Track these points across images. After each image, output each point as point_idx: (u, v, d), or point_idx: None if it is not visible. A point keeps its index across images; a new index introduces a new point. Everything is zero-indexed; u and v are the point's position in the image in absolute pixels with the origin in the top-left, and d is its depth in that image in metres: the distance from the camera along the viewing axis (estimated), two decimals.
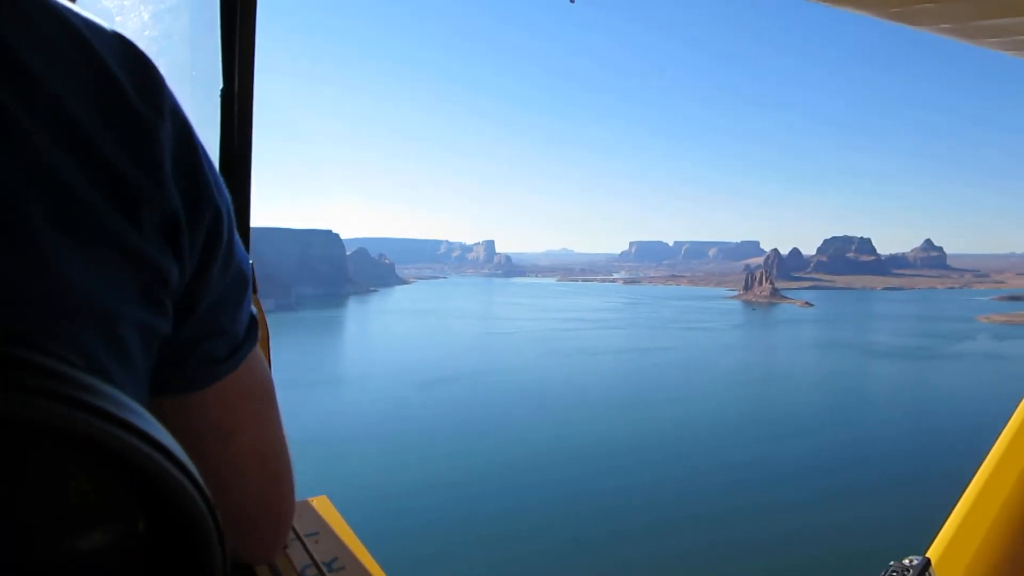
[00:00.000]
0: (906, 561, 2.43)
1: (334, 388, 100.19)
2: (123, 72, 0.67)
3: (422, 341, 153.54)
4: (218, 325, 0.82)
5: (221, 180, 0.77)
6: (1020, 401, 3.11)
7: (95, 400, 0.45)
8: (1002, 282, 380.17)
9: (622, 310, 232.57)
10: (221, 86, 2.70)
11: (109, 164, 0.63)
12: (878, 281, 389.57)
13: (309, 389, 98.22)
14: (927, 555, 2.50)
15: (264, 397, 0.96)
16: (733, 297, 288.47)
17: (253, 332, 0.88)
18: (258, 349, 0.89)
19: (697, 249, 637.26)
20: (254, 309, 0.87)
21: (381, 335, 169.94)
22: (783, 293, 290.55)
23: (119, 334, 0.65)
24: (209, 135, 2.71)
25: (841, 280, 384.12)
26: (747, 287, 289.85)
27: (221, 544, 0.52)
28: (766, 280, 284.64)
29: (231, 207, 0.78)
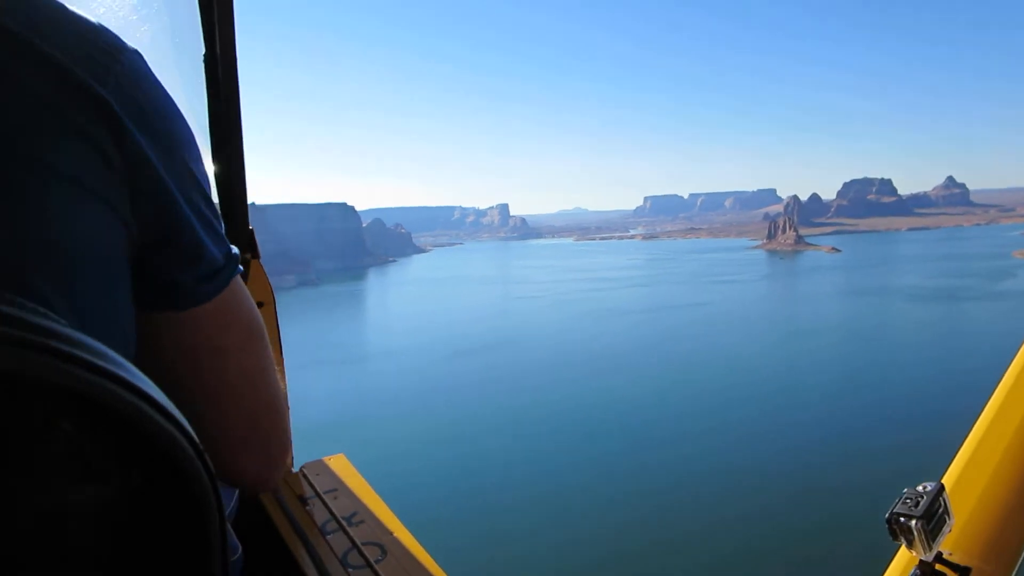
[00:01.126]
0: (920, 488, 2.17)
1: (367, 365, 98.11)
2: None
3: (448, 310, 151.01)
4: (195, 254, 0.87)
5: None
6: None
7: (75, 351, 0.45)
8: None
9: (645, 267, 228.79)
10: (204, 51, 2.66)
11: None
12: (902, 222, 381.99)
13: (342, 367, 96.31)
14: (942, 481, 2.30)
15: (252, 330, 1.02)
16: (756, 247, 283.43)
17: (233, 262, 0.93)
18: (242, 287, 0.97)
19: (713, 200, 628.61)
20: (235, 248, 0.91)
21: (405, 306, 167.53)
22: (807, 240, 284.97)
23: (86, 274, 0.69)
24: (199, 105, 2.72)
25: (864, 223, 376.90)
26: (770, 236, 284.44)
27: (215, 492, 0.53)
28: (789, 228, 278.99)
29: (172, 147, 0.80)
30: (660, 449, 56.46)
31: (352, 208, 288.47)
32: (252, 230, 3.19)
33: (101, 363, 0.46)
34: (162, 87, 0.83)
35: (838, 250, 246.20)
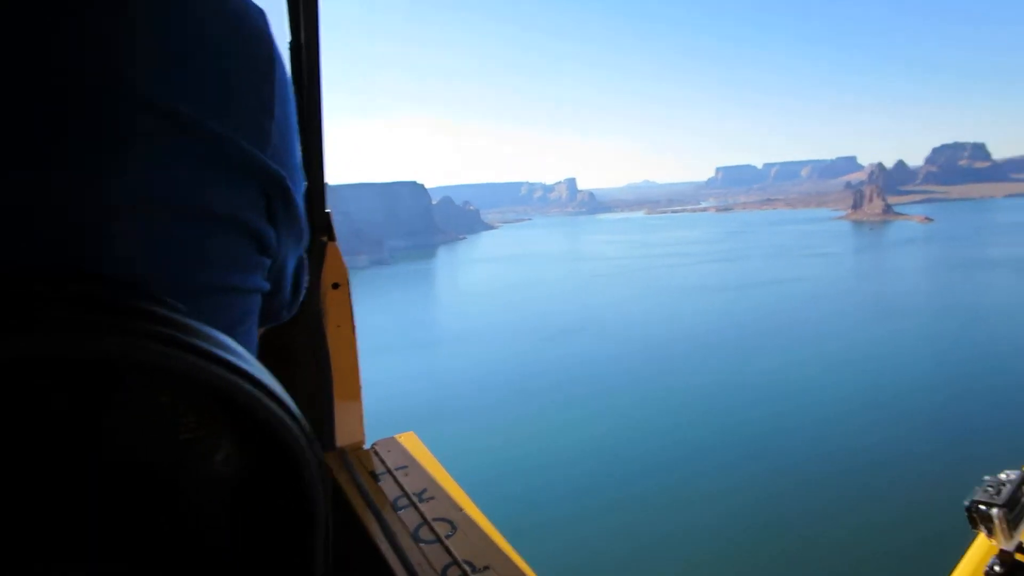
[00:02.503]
0: (1002, 476, 2.49)
1: (448, 348, 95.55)
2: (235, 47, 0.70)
3: (523, 289, 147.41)
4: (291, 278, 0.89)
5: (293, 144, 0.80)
6: None
7: (197, 341, 0.49)
8: None
9: (724, 240, 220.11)
10: (289, 39, 2.69)
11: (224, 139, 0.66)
12: (998, 188, 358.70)
13: (421, 351, 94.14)
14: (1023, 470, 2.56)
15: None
16: (841, 218, 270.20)
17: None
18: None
19: (788, 170, 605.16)
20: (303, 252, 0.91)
21: (479, 286, 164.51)
22: (895, 209, 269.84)
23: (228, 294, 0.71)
24: None
25: (956, 191, 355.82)
26: (856, 206, 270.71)
27: (322, 476, 0.58)
28: (876, 196, 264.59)
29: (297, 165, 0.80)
30: (756, 444, 51.90)
31: (422, 186, 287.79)
32: (329, 213, 3.23)
33: (242, 366, 0.50)
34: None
35: (931, 219, 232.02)
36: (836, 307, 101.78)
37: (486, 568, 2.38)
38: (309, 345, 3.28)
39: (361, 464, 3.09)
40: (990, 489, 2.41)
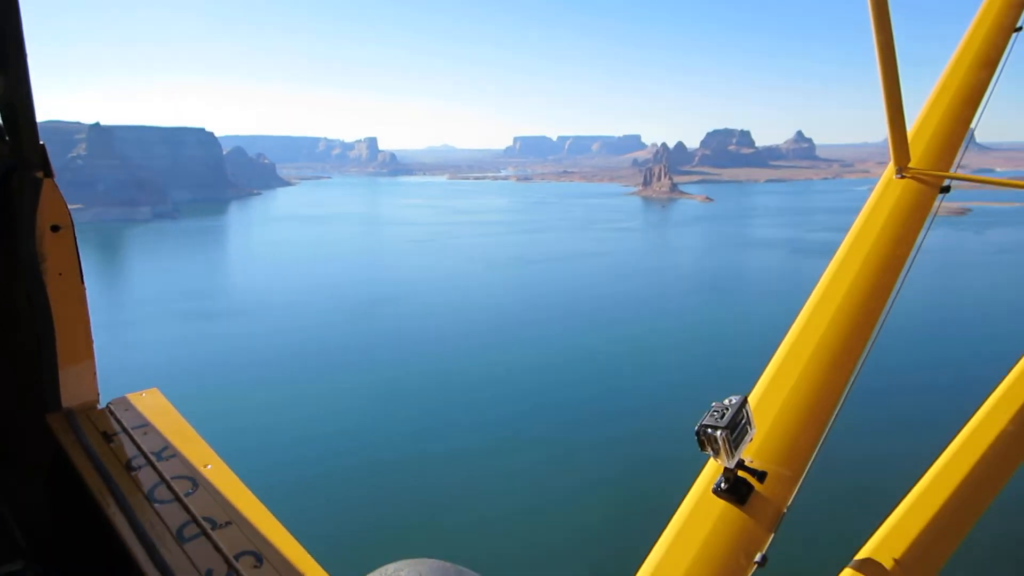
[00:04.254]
0: (726, 401, 2.71)
1: (235, 321, 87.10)
2: None
3: (334, 254, 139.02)
4: None
5: None
6: (828, 263, 4.11)
7: None
8: (867, 171, 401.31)
9: (531, 210, 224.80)
10: None
11: None
12: (760, 173, 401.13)
13: (208, 322, 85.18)
14: (746, 396, 2.82)
15: None
16: (632, 194, 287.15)
17: None
18: None
19: (581, 144, 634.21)
20: None
21: (284, 247, 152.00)
22: (680, 188, 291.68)
23: None
24: None
25: (727, 173, 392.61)
26: (646, 183, 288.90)
27: None
28: (664, 176, 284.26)
29: None
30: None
31: (212, 134, 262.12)
32: (44, 146, 2.98)
33: None
34: None
35: (711, 199, 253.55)
36: (657, 281, 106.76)
37: (228, 523, 2.30)
38: (23, 294, 3.04)
39: (92, 424, 2.92)
40: (716, 414, 2.61)
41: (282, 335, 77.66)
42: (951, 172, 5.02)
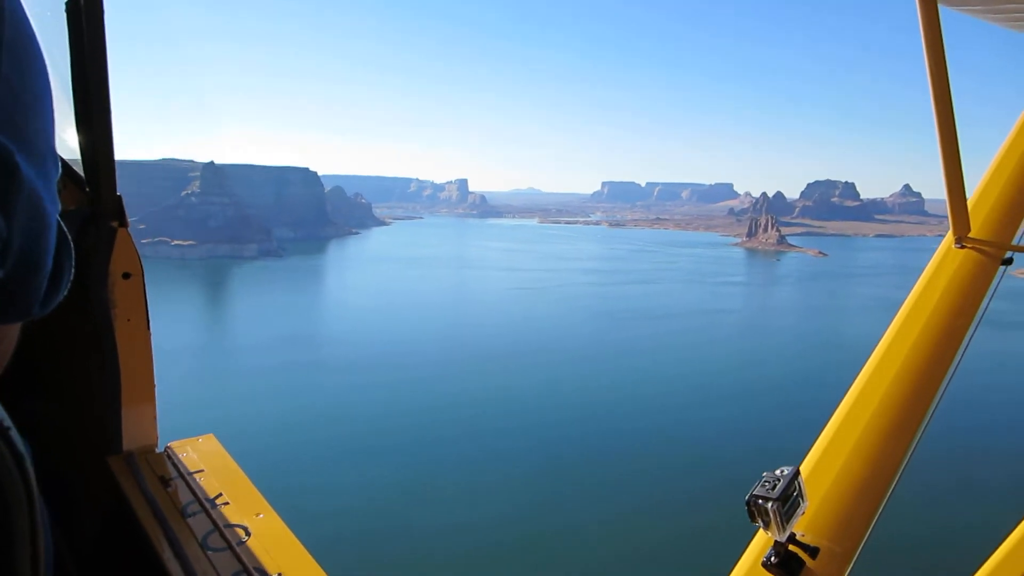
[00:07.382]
0: (778, 472, 2.62)
1: (341, 377, 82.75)
2: None
3: (445, 303, 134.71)
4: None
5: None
6: (883, 334, 3.93)
7: None
8: None
9: (633, 258, 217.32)
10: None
11: None
12: (866, 228, 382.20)
13: (314, 368, 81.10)
14: (798, 467, 2.72)
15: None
16: (736, 244, 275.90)
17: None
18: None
19: (670, 190, 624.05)
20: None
21: (391, 290, 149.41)
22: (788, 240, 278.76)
23: None
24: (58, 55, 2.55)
25: (831, 226, 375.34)
26: (750, 234, 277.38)
27: (23, 481, 0.55)
28: (772, 227, 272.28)
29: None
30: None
31: (315, 174, 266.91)
32: (120, 197, 3.04)
33: None
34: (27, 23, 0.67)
35: (825, 254, 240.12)
36: (784, 342, 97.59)
37: (278, 575, 2.30)
38: (93, 338, 3.10)
39: (151, 468, 2.95)
40: (767, 484, 2.52)
41: (388, 389, 73.32)
42: (1014, 244, 4.73)
